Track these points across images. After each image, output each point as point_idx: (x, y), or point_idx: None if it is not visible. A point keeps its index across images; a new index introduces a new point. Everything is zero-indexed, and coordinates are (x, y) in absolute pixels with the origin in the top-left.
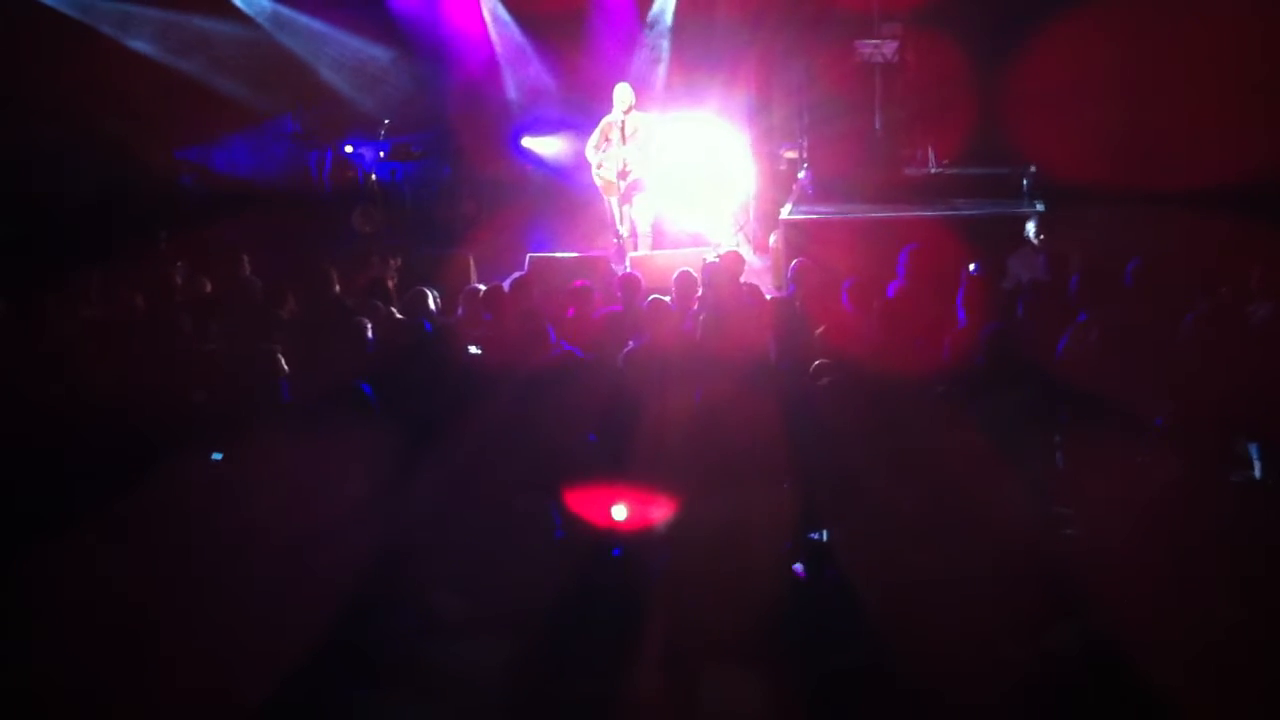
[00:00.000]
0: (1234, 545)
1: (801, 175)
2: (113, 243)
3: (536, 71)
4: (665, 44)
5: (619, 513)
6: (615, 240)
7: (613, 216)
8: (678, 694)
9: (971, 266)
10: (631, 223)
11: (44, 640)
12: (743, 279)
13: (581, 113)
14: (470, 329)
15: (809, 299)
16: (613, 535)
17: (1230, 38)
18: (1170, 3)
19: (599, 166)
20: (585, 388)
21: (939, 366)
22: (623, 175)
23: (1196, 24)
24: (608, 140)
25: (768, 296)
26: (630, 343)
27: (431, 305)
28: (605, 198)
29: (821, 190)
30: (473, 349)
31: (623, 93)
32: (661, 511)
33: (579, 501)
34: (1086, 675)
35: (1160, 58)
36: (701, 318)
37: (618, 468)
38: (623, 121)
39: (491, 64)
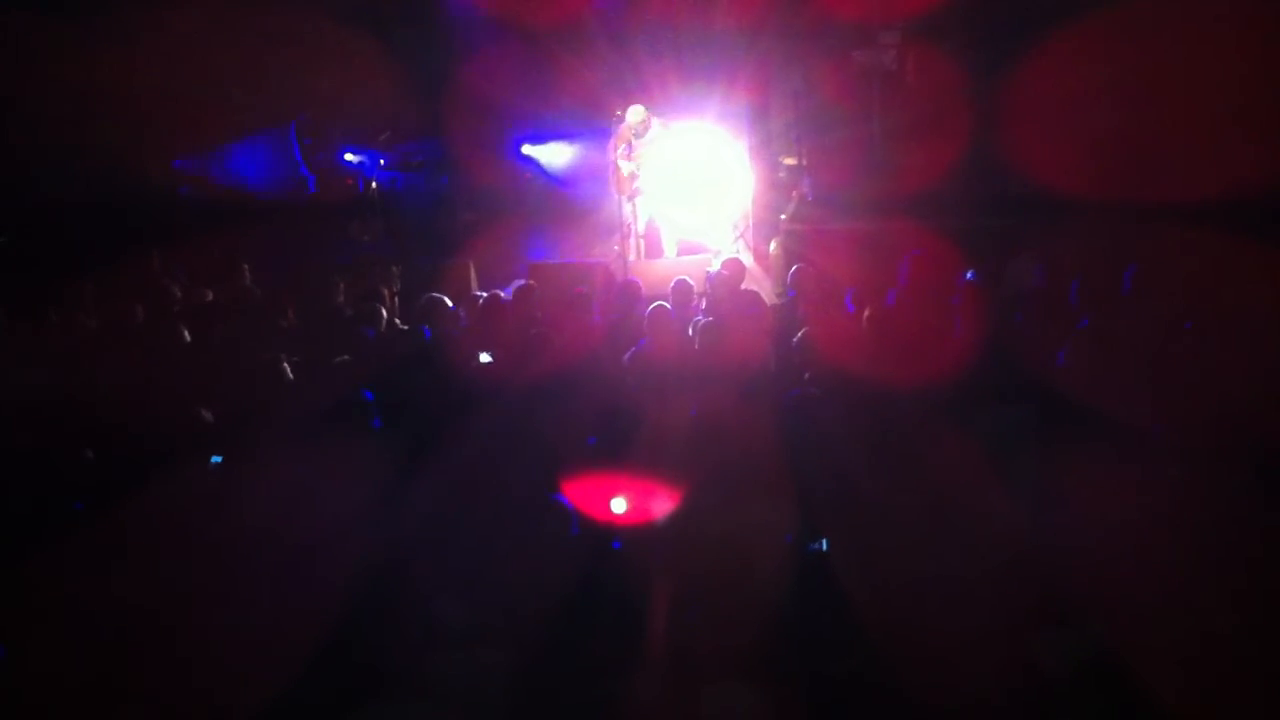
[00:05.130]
0: (1234, 553)
1: (801, 184)
2: (111, 252)
3: (536, 79)
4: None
5: (619, 505)
6: (616, 248)
7: (621, 215)
8: (677, 702)
9: (969, 274)
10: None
11: (42, 647)
12: (742, 286)
13: (581, 121)
14: (471, 337)
15: (809, 305)
16: (613, 529)
17: (1226, 51)
18: (1169, 16)
19: (616, 166)
20: (585, 395)
21: (937, 374)
22: (631, 179)
23: (1196, 37)
24: (621, 147)
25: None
26: (631, 350)
27: (451, 311)
28: (615, 194)
29: (820, 198)
30: (484, 357)
31: (634, 115)
32: (661, 506)
33: (578, 494)
34: (1084, 684)
35: (1159, 69)
36: (702, 324)
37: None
38: (633, 139)
39: (491, 72)
